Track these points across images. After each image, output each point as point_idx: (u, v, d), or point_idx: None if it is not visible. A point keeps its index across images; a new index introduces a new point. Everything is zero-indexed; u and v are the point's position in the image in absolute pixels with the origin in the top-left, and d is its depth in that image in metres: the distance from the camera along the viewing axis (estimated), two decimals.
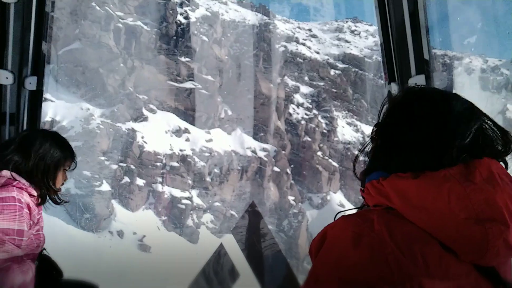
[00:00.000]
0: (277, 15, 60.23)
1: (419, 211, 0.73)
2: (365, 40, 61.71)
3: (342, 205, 35.58)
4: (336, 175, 36.74)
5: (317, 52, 59.43)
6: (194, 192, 28.87)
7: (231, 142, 31.69)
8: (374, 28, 63.41)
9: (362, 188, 0.88)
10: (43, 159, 1.55)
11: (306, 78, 43.35)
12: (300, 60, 45.53)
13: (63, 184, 1.66)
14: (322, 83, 51.20)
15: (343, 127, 40.49)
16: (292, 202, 32.80)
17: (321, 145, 36.35)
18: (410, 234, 0.71)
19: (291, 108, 36.47)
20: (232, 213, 30.91)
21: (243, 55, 33.45)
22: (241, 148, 31.56)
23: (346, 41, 60.89)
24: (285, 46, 43.93)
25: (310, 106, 37.51)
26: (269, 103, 33.11)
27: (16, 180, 1.48)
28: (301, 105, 37.24)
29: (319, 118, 37.45)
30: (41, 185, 1.55)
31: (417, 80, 1.69)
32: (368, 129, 53.23)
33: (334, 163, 36.64)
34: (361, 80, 57.79)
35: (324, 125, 37.32)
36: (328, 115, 38.18)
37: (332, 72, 57.36)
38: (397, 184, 0.76)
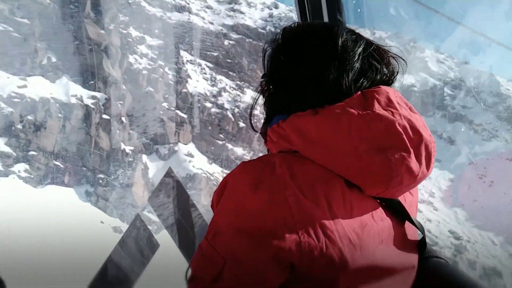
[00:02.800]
0: None
1: (320, 147, 0.69)
2: (260, 11, 62.10)
3: (190, 155, 35.33)
4: (186, 126, 36.35)
5: (211, 23, 58.79)
6: (0, 140, 26.79)
7: (55, 90, 29.84)
8: (271, 1, 64.02)
9: (265, 140, 0.81)
10: None
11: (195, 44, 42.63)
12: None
13: None
14: (216, 53, 50.77)
15: (198, 80, 40.11)
16: (129, 151, 31.83)
17: (166, 96, 35.65)
18: (312, 174, 0.67)
19: (133, 58, 35.28)
20: (56, 163, 29.27)
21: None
22: (65, 96, 29.82)
23: (241, 12, 60.88)
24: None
25: (155, 57, 36.56)
26: (99, 50, 31.60)
27: None
28: (145, 55, 36.18)
29: (166, 69, 36.66)
30: None
31: None
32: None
33: (182, 114, 36.19)
34: (256, 50, 58.18)
35: (171, 77, 36.60)
36: (176, 67, 37.51)
37: (226, 42, 57.12)
38: (296, 123, 0.72)
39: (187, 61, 41.84)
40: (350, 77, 0.74)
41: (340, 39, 0.76)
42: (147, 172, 32.70)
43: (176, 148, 35.12)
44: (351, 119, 0.68)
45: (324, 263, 0.62)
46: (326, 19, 1.67)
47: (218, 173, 36.03)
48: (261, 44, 59.30)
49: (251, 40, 58.84)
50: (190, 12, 55.79)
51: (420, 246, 0.79)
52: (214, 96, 39.49)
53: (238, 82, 54.78)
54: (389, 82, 0.79)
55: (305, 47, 0.78)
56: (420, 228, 0.78)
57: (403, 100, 0.75)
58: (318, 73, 0.74)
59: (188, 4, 56.43)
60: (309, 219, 0.62)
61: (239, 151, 38.80)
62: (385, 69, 0.79)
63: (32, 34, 29.60)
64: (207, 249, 0.65)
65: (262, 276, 0.62)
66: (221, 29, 57.97)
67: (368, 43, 0.79)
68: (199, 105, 37.44)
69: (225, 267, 0.62)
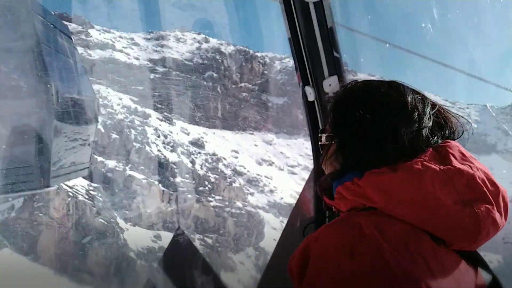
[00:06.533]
0: (96, 25, 59.26)
1: (405, 205, 0.69)
2: (190, 46, 62.38)
3: None
4: None
5: (137, 58, 58.53)
6: None
7: None
8: (202, 36, 64.55)
9: (327, 195, 0.81)
10: None
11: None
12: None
13: None
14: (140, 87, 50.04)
15: None
16: None
17: None
18: (402, 233, 0.67)
19: None
20: None
21: None
22: None
23: (169, 47, 61.06)
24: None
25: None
26: None
27: None
28: None
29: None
30: None
31: (330, 81, 1.72)
32: (183, 124, 51.93)
33: None
34: (184, 82, 57.49)
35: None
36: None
37: (152, 76, 56.51)
38: (376, 181, 0.71)
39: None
40: (424, 134, 0.76)
41: (408, 98, 0.78)
42: None
43: None
44: (434, 175, 0.68)
45: None
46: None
47: (82, 186, 32.75)
48: (189, 75, 58.71)
49: (178, 72, 58.33)
50: (113, 49, 55.60)
51: None
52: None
53: (166, 114, 53.18)
54: (454, 138, 0.81)
55: (375, 104, 0.77)
56: (492, 273, 0.79)
57: (469, 153, 0.75)
58: (394, 130, 0.74)
59: (113, 42, 56.46)
60: (412, 279, 0.60)
61: (111, 163, 35.75)
62: (449, 127, 0.81)
63: None
64: None
65: None
66: (147, 64, 57.60)
67: (432, 102, 0.81)
68: None
69: None
